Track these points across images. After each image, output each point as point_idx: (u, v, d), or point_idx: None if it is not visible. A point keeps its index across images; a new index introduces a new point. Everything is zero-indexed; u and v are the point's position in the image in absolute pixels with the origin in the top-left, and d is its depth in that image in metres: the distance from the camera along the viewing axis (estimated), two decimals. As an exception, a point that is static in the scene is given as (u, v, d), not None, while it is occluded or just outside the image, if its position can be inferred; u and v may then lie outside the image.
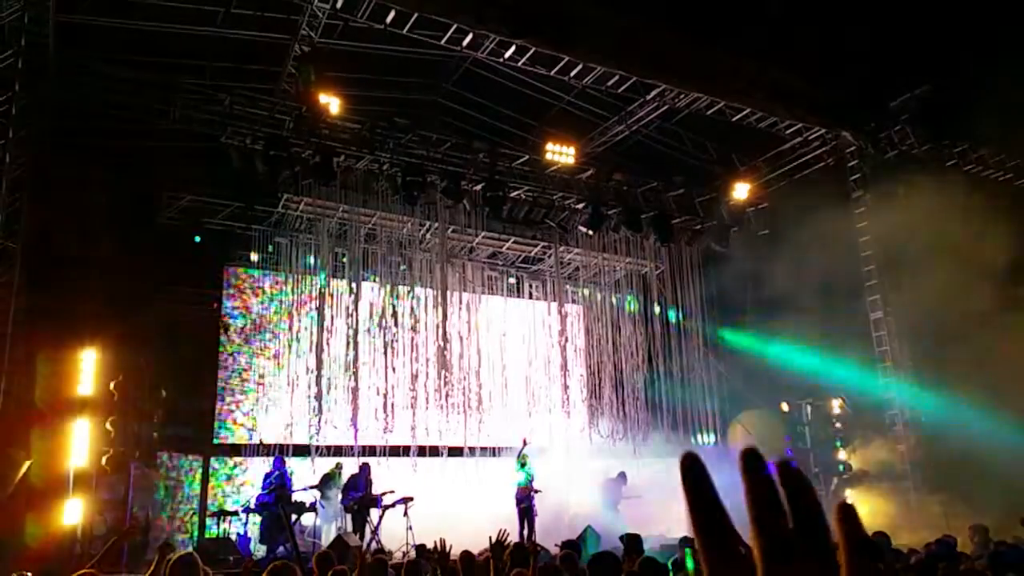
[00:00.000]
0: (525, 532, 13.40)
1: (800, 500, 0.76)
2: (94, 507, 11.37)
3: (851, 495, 16.25)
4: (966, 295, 12.85)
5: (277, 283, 16.33)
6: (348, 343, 15.83)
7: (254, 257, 16.18)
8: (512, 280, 19.15)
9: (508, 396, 17.90)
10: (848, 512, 0.80)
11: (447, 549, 5.11)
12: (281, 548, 12.08)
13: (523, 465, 14.01)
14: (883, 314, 15.79)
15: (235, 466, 15.15)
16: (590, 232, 17.07)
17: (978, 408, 13.13)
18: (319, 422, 15.07)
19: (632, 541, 7.55)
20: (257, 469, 14.47)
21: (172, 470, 14.51)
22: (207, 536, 13.46)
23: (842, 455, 16.64)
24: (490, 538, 5.12)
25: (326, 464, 14.48)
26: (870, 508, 15.36)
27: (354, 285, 16.03)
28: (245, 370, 15.75)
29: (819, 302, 14.35)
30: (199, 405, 14.99)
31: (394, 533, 12.58)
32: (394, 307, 16.51)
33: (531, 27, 12.84)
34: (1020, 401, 12.44)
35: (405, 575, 6.17)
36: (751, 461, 0.76)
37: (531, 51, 13.23)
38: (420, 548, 10.51)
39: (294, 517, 12.64)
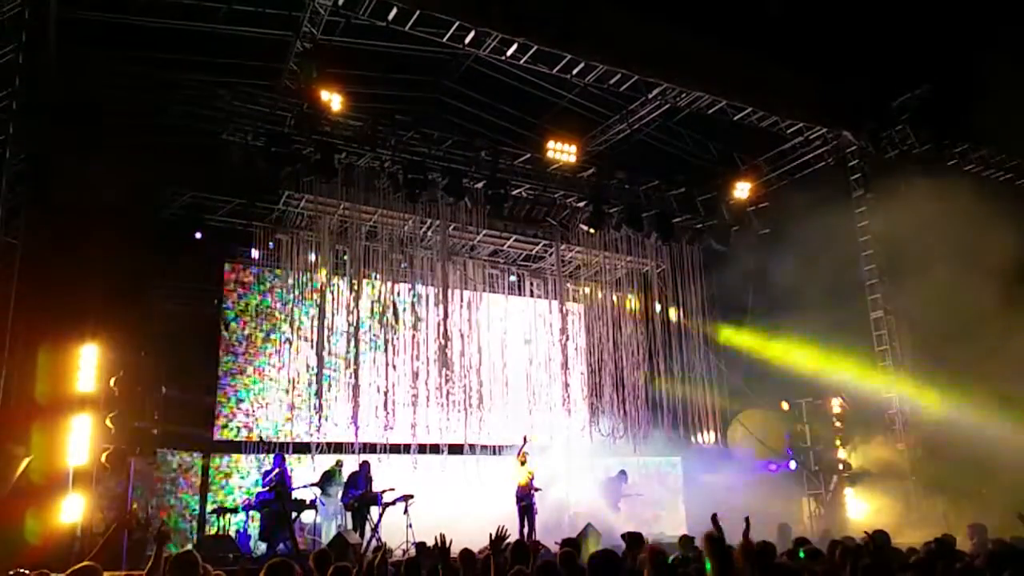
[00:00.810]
0: (525, 530, 13.40)
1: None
2: (94, 504, 11.36)
3: (851, 493, 16.29)
4: (967, 294, 12.86)
5: (278, 280, 16.31)
6: (349, 340, 15.83)
7: (255, 254, 16.15)
8: (513, 278, 19.14)
9: (509, 394, 17.90)
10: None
11: (447, 544, 5.10)
12: (281, 545, 12.09)
13: (523, 463, 14.01)
14: (883, 313, 15.80)
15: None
16: (591, 230, 17.08)
17: (978, 406, 13.14)
18: (319, 419, 15.07)
19: (634, 539, 7.54)
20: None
21: (172, 466, 14.49)
22: (207, 533, 13.47)
23: (842, 454, 16.64)
24: (490, 535, 5.13)
25: (326, 461, 14.48)
26: (871, 507, 15.41)
27: (355, 282, 16.03)
28: (245, 367, 15.74)
29: (820, 301, 14.36)
30: (199, 402, 14.98)
31: (394, 531, 12.58)
32: (395, 304, 16.51)
33: (533, 25, 12.83)
34: (1020, 399, 12.45)
35: (405, 572, 6.16)
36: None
37: (533, 49, 13.21)
38: (420, 546, 10.53)
39: (294, 515, 12.65)
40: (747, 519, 5.39)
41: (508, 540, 5.34)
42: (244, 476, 14.91)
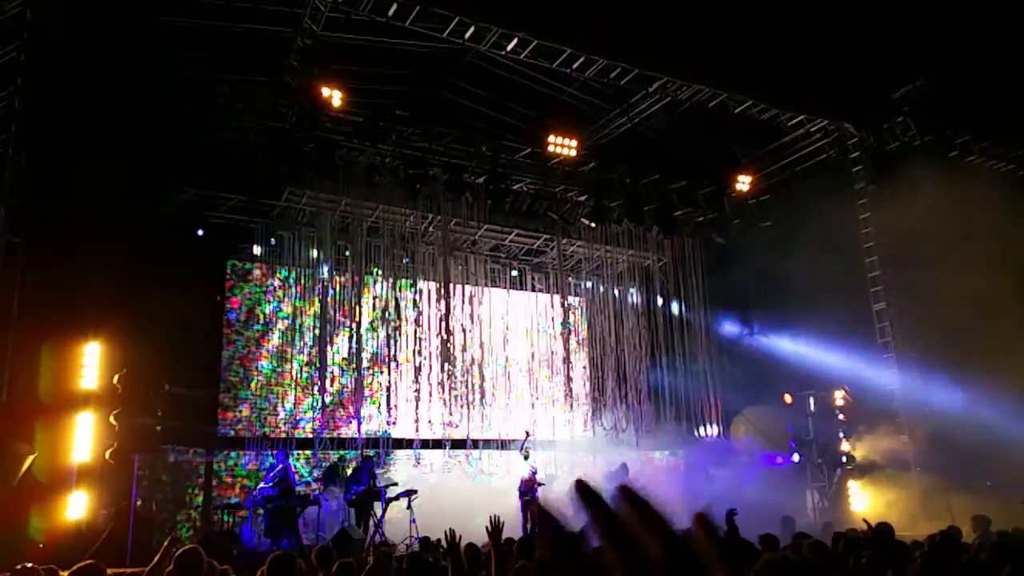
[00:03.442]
0: (528, 525, 13.41)
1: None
2: (98, 501, 11.39)
3: (855, 486, 16.29)
4: (970, 285, 12.84)
5: (280, 276, 16.32)
6: (351, 336, 15.85)
7: (257, 251, 16.17)
8: (515, 273, 19.14)
9: (511, 389, 17.92)
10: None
11: (457, 540, 5.08)
12: (285, 542, 12.12)
13: (526, 457, 14.02)
14: (885, 305, 15.79)
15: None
16: (592, 224, 17.07)
17: (982, 397, 13.13)
18: (322, 415, 15.09)
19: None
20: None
21: (175, 463, 14.51)
22: (211, 530, 13.50)
23: (845, 447, 16.65)
24: (486, 528, 5.12)
25: (329, 458, 14.50)
26: (874, 499, 15.41)
27: (357, 278, 16.04)
28: (248, 363, 15.75)
29: (822, 293, 14.34)
30: (202, 398, 14.98)
31: (398, 526, 12.61)
32: (397, 300, 16.53)
33: (533, 20, 12.82)
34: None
35: (407, 568, 6.18)
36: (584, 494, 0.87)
37: (533, 44, 13.21)
38: (424, 541, 10.54)
39: (298, 510, 12.67)
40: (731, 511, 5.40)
41: (504, 528, 5.32)
42: (247, 472, 14.95)
